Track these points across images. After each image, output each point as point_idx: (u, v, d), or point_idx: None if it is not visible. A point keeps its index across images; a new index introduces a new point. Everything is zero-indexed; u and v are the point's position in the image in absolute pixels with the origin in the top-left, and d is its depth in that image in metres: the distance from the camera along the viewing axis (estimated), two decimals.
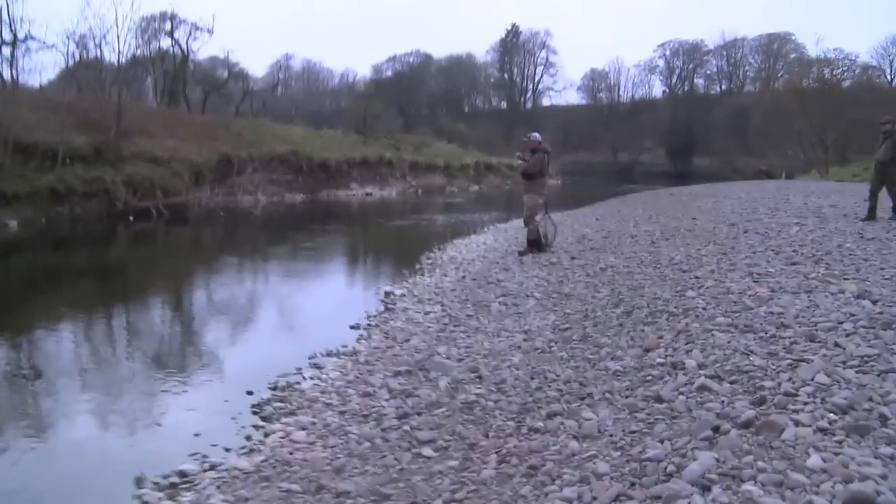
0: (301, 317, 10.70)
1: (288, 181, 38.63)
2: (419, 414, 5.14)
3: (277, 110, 76.29)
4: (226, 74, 49.51)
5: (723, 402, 4.18)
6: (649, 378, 4.94)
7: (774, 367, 4.55)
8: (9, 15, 28.80)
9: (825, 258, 9.05)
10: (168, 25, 41.63)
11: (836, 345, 4.87)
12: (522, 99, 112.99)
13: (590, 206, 27.38)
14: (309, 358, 7.53)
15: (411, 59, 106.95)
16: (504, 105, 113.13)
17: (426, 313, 8.93)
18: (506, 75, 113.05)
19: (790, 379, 4.28)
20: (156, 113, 35.61)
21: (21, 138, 25.44)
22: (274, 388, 6.53)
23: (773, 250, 9.95)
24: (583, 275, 9.92)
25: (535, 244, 13.14)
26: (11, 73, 30.93)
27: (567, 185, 59.74)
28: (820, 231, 11.91)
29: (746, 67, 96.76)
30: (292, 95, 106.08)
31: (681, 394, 4.45)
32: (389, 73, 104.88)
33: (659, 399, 4.47)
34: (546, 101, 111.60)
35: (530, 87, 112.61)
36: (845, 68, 62.59)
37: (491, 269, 11.79)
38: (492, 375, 5.73)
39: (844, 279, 7.48)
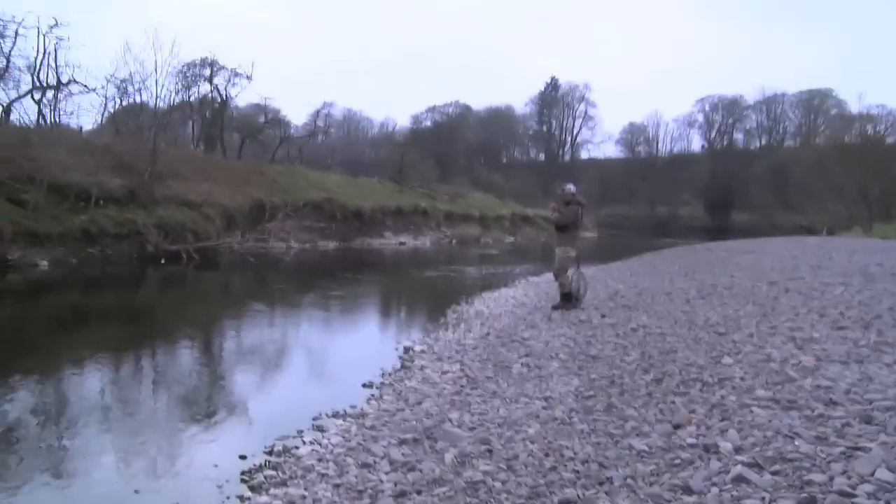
0: (314, 371, 10.25)
1: (321, 228, 38.52)
2: (419, 492, 4.58)
3: (315, 158, 76.92)
4: (263, 120, 49.74)
5: (763, 498, 3.58)
6: (678, 462, 4.34)
7: (824, 456, 3.94)
8: (55, 60, 29.37)
9: (875, 322, 8.40)
10: (208, 72, 42.06)
11: None
12: (561, 151, 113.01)
13: (625, 260, 26.75)
14: (313, 419, 7.03)
15: (450, 110, 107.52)
16: (542, 157, 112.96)
17: (443, 373, 8.39)
18: (544, 127, 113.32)
19: (844, 472, 3.67)
20: (191, 157, 35.82)
21: (56, 179, 25.57)
22: (270, 453, 6.02)
23: (817, 313, 9.30)
24: (612, 335, 9.32)
25: (567, 298, 12.59)
26: (52, 116, 31.52)
27: (603, 237, 59.17)
28: (868, 292, 11.22)
29: (786, 123, 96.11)
30: (332, 143, 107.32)
31: (714, 484, 3.85)
32: (428, 122, 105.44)
33: (688, 490, 3.88)
34: (584, 154, 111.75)
35: (569, 139, 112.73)
36: (888, 124, 61.75)
37: (517, 325, 11.23)
38: (504, 449, 5.15)
39: None
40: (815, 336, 7.44)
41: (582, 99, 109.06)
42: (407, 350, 10.37)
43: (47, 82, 30.15)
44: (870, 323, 8.41)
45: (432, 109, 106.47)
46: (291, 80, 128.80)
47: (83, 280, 21.37)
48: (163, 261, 25.66)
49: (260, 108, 47.73)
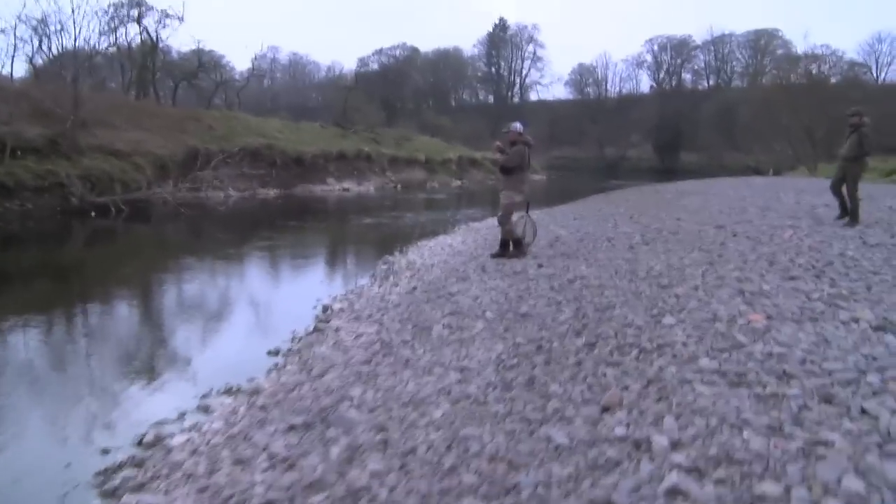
0: (219, 337, 9.23)
1: (261, 176, 37.22)
2: (290, 501, 3.75)
3: (260, 104, 74.86)
4: (198, 64, 47.66)
5: None
6: (602, 463, 3.55)
7: (779, 455, 3.18)
8: None
9: (827, 270, 7.73)
10: (136, 13, 39.91)
11: (864, 412, 3.52)
12: (510, 93, 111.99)
13: (571, 203, 26.03)
14: (202, 397, 6.16)
15: (398, 53, 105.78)
16: (491, 99, 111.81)
17: (357, 336, 7.54)
18: (493, 69, 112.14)
19: (803, 480, 2.91)
20: (121, 104, 34.00)
21: None
22: (140, 444, 5.14)
23: (766, 260, 8.60)
24: (547, 288, 8.52)
25: (507, 246, 11.78)
26: None
27: (552, 180, 58.62)
28: (817, 236, 10.62)
29: (734, 63, 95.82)
30: (277, 88, 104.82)
31: (642, 499, 3.06)
32: (375, 66, 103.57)
33: None
34: (533, 96, 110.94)
35: (517, 81, 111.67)
36: (832, 64, 61.83)
37: (448, 278, 10.37)
38: (401, 439, 4.33)
39: (855, 301, 6.14)
40: (764, 288, 6.71)
41: (531, 40, 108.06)
42: (326, 309, 9.50)
43: None
44: (822, 271, 7.73)
45: (379, 52, 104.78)
46: (235, 25, 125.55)
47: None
48: (93, 214, 24.30)
49: (199, 53, 45.61)
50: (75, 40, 29.44)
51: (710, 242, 10.65)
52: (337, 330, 8.14)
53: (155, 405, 6.05)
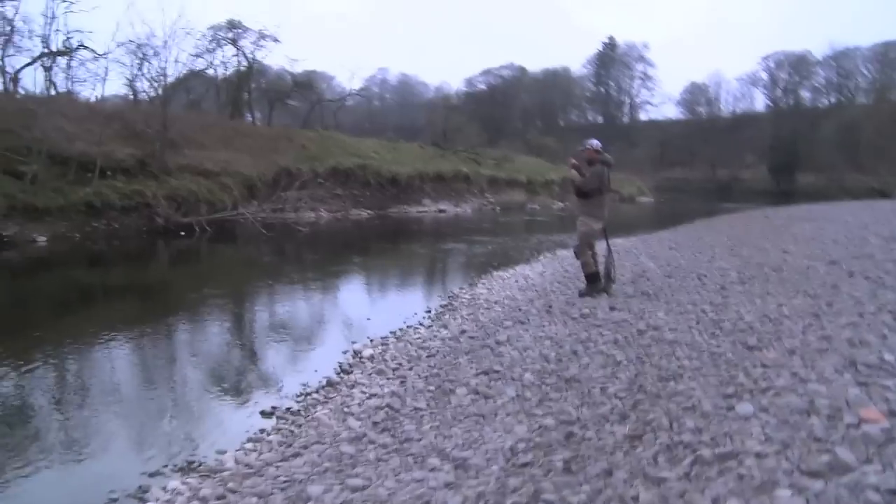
0: (221, 385, 7.88)
1: (354, 196, 36.57)
2: None
3: (364, 124, 75.01)
4: (306, 85, 47.50)
5: None
6: None
7: None
8: (50, 26, 27.66)
9: None
10: (232, 35, 39.99)
11: None
12: (619, 113, 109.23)
13: (673, 229, 24.13)
14: (150, 475, 4.95)
15: (505, 73, 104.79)
16: (600, 119, 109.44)
17: (369, 396, 6.25)
18: (602, 89, 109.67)
19: None
20: (211, 124, 33.90)
21: (59, 150, 23.95)
22: None
23: (890, 313, 6.81)
24: (610, 341, 7.00)
25: (594, 280, 10.25)
26: (65, 85, 29.88)
27: (661, 203, 56.25)
28: None
29: (858, 79, 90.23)
30: (386, 109, 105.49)
31: None
32: (483, 86, 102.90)
33: None
34: (643, 116, 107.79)
35: (627, 100, 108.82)
36: None
37: (505, 320, 8.97)
38: None
39: None
40: (887, 360, 5.02)
41: (640, 59, 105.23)
42: (356, 354, 8.22)
43: (56, 49, 28.37)
44: None
45: (487, 72, 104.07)
46: (345, 47, 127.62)
47: (83, 256, 19.81)
48: (182, 233, 23.97)
49: (292, 74, 45.47)
50: (165, 63, 29.18)
51: (819, 284, 8.85)
52: (352, 386, 6.87)
53: (119, 473, 4.88)
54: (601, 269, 10.32)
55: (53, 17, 27.60)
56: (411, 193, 39.86)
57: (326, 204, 34.36)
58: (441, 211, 39.73)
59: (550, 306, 9.59)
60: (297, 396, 6.74)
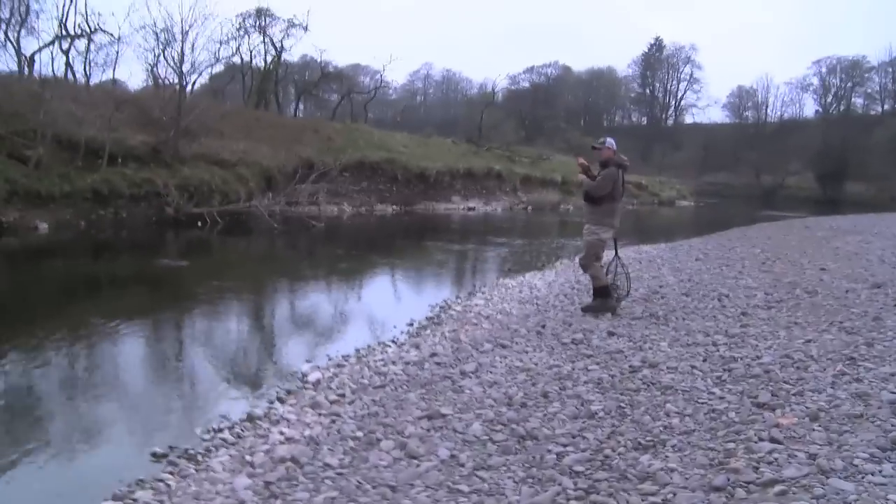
0: (138, 408, 6.50)
1: (380, 191, 35.38)
2: None
3: (408, 119, 74.08)
4: (335, 76, 46.49)
5: None
6: None
7: None
8: (85, 8, 26.92)
9: None
10: (261, 22, 39.03)
11: None
12: (664, 115, 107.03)
13: (706, 236, 22.62)
14: None
15: (549, 71, 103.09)
16: (645, 121, 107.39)
17: (285, 440, 5.06)
18: (647, 90, 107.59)
19: None
20: (233, 113, 32.88)
21: (66, 134, 23.09)
22: None
23: None
24: (594, 380, 5.71)
25: (604, 294, 8.99)
26: (84, 69, 29.16)
27: (700, 207, 54.44)
28: None
29: None
30: (430, 105, 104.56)
31: None
32: (526, 84, 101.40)
33: None
34: (688, 119, 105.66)
35: (672, 103, 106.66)
36: None
37: (485, 342, 7.68)
38: None
39: None
40: None
41: (687, 61, 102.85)
42: (303, 377, 6.99)
43: (74, 31, 27.60)
44: None
45: (530, 70, 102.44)
46: (392, 42, 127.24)
47: (86, 244, 18.95)
48: (199, 224, 22.99)
49: (322, 64, 44.37)
50: (182, 48, 28.15)
51: (859, 314, 7.46)
52: (276, 422, 5.66)
53: None
54: (611, 281, 9.09)
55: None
56: (440, 190, 38.58)
57: (350, 198, 33.26)
58: (470, 209, 38.44)
59: (544, 326, 8.30)
60: (206, 434, 5.52)
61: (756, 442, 3.90)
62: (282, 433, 5.29)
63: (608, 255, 9.70)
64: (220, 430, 5.57)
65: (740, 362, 5.78)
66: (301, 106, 57.91)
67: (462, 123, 61.26)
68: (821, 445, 3.75)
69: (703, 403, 4.79)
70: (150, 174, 24.26)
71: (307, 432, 5.21)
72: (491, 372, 6.30)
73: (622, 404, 4.99)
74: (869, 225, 21.76)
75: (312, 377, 6.90)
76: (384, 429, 5.06)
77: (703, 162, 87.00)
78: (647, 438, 4.23)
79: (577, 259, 9.41)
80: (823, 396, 4.65)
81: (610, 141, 9.20)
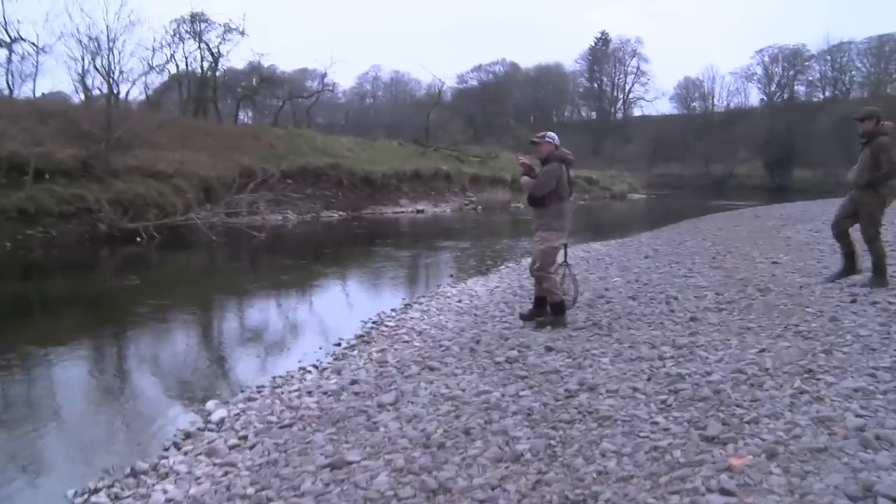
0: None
1: (325, 197, 34.55)
2: None
3: (362, 122, 73.07)
4: (275, 80, 45.36)
5: None
6: None
7: None
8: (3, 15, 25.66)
9: None
10: (196, 28, 37.88)
11: None
12: (613, 109, 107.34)
13: (657, 230, 22.20)
14: None
15: (497, 69, 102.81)
16: (594, 115, 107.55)
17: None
18: (595, 85, 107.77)
19: None
20: (168, 122, 31.75)
21: None
22: None
23: None
24: (524, 410, 5.04)
25: (543, 305, 8.24)
26: (5, 80, 27.82)
27: (652, 200, 54.38)
28: None
29: (853, 72, 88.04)
30: (379, 107, 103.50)
31: None
32: (475, 82, 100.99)
33: None
34: (637, 112, 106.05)
35: (621, 96, 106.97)
36: None
37: (412, 365, 6.98)
38: None
39: None
40: None
41: (634, 54, 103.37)
42: (208, 416, 6.24)
43: None
44: None
45: (478, 68, 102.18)
46: (340, 43, 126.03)
47: (12, 266, 17.75)
48: (139, 239, 21.90)
49: (258, 69, 43.21)
50: (108, 55, 27.03)
51: (815, 314, 6.89)
52: (164, 476, 4.93)
53: None
54: (563, 291, 8.38)
55: None
56: (387, 193, 37.89)
57: (294, 205, 32.35)
58: (419, 211, 37.74)
59: (478, 341, 7.63)
60: (78, 498, 4.74)
61: (704, 494, 3.25)
62: (165, 491, 4.56)
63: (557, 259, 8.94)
64: (96, 491, 4.80)
65: (688, 381, 5.14)
66: (249, 113, 56.83)
67: (409, 125, 60.52)
68: (780, 496, 3.11)
69: (644, 438, 4.14)
70: (81, 189, 23.17)
71: (193, 490, 4.49)
72: (412, 402, 5.60)
73: (553, 441, 4.32)
74: (818, 212, 21.44)
75: (217, 415, 6.16)
76: (280, 483, 4.35)
77: (654, 154, 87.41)
78: (577, 491, 3.56)
79: (530, 265, 8.58)
80: (781, 424, 4.03)
81: (551, 135, 8.31)
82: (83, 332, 10.38)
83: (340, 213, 33.94)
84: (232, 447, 5.26)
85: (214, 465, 4.94)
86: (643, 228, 24.39)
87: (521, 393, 5.45)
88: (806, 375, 4.90)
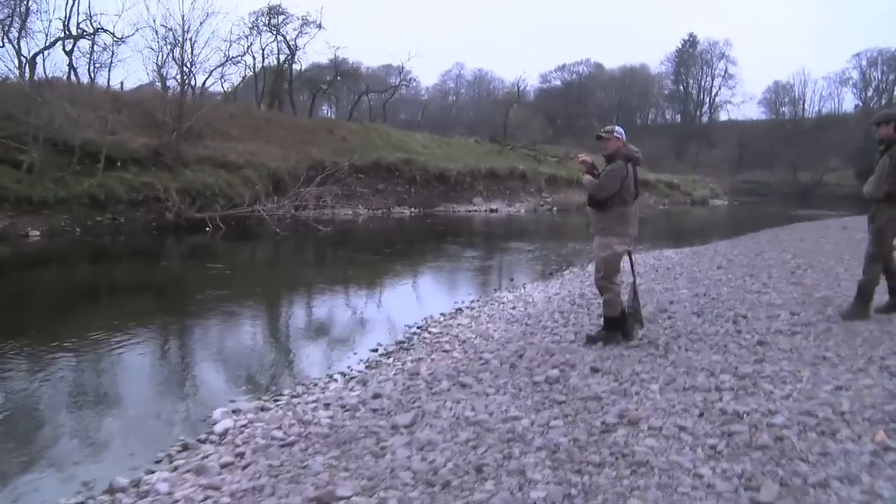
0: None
1: (397, 193, 34.22)
2: None
3: (444, 119, 72.76)
4: (351, 74, 45.25)
5: None
6: None
7: None
8: (89, 8, 25.99)
9: None
10: (274, 21, 37.93)
11: None
12: (698, 112, 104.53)
13: (736, 238, 21.13)
14: None
15: (581, 69, 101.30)
16: (679, 119, 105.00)
17: None
18: (681, 87, 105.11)
19: None
20: (241, 114, 31.78)
21: (62, 138, 22.16)
22: None
23: None
24: (549, 447, 4.34)
25: (616, 326, 7.23)
26: (88, 70, 28.17)
27: (735, 207, 52.60)
28: None
29: None
30: (461, 104, 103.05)
31: None
32: (558, 82, 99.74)
33: None
34: (723, 116, 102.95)
35: (707, 99, 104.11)
36: None
37: (448, 376, 6.37)
38: None
39: None
40: None
41: (722, 56, 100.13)
42: (212, 426, 5.74)
43: (76, 32, 26.64)
44: None
45: (562, 68, 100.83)
46: (424, 42, 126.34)
47: (79, 251, 18.05)
48: (208, 229, 21.92)
49: (336, 63, 43.08)
50: (185, 46, 27.11)
51: None
52: (145, 495, 4.45)
53: None
54: (629, 305, 7.35)
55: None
56: (461, 191, 37.35)
57: (365, 200, 32.11)
58: (492, 210, 37.14)
59: (521, 355, 6.94)
60: None
61: None
62: None
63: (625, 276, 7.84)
64: None
65: (745, 421, 4.38)
66: (331, 108, 56.96)
67: (488, 123, 59.83)
68: None
69: (682, 495, 3.42)
70: (151, 178, 23.30)
71: None
72: (431, 426, 4.97)
73: (573, 491, 3.63)
74: None
75: (221, 426, 5.65)
76: None
77: (739, 160, 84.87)
78: None
79: (594, 274, 7.57)
80: (857, 492, 3.26)
81: (619, 130, 7.26)
82: (126, 321, 10.02)
83: (412, 209, 33.57)
84: (224, 465, 4.72)
85: (198, 486, 4.40)
86: (721, 236, 23.28)
87: (553, 423, 4.76)
88: (893, 425, 4.09)
